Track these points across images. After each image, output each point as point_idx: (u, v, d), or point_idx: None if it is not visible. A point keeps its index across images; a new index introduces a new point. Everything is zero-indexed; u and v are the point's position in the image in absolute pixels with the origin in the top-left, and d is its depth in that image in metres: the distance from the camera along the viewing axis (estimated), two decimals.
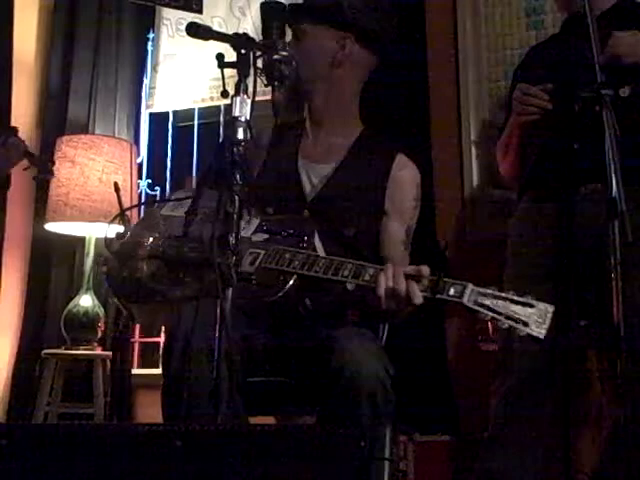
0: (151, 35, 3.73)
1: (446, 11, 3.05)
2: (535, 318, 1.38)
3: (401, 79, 2.96)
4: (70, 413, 3.12)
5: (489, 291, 1.42)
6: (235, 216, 1.30)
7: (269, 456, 1.04)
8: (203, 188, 1.44)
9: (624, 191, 1.56)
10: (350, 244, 1.77)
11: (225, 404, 1.24)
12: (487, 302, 1.41)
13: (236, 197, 1.32)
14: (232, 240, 1.29)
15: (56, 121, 3.52)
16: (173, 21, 3.66)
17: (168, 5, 3.52)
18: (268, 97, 1.86)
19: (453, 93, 2.99)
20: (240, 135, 1.35)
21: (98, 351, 3.16)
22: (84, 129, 3.49)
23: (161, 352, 1.70)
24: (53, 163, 2.83)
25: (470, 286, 1.43)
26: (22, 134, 3.28)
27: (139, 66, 3.72)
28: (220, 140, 1.39)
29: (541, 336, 1.37)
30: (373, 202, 1.84)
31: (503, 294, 1.42)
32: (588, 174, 1.97)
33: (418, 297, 1.45)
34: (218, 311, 1.26)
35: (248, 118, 1.38)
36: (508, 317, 1.39)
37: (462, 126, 2.95)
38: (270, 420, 1.87)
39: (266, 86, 1.63)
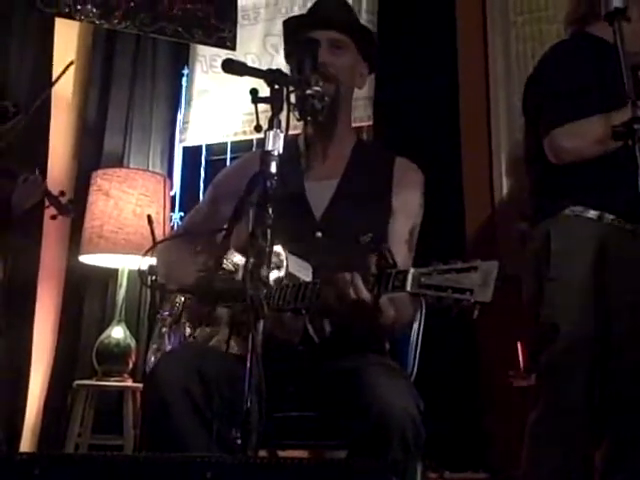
0: (185, 71, 3.81)
1: (477, 30, 3.13)
2: (479, 282, 1.30)
3: (432, 95, 3.04)
4: (100, 445, 3.12)
5: (432, 268, 1.36)
6: (267, 249, 1.31)
7: None
8: (236, 222, 1.46)
9: None
10: (367, 251, 1.76)
11: (255, 436, 1.23)
12: (433, 281, 1.35)
13: (268, 230, 1.33)
14: (264, 273, 1.30)
15: (92, 155, 3.60)
16: (207, 57, 3.74)
17: (203, 42, 3.60)
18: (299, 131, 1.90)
19: (484, 111, 3.06)
20: (273, 169, 1.37)
21: (129, 383, 3.18)
22: (119, 162, 3.56)
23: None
24: (72, 202, 2.92)
25: (411, 271, 1.39)
26: (59, 167, 3.34)
27: (173, 101, 3.80)
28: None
29: (487, 299, 1.29)
30: (382, 206, 1.84)
31: (446, 266, 1.35)
32: None
33: (365, 294, 1.45)
34: (250, 343, 1.26)
35: (281, 152, 1.39)
36: (455, 290, 1.32)
37: (492, 146, 3.01)
38: (304, 454, 1.86)
39: (298, 120, 1.65)
